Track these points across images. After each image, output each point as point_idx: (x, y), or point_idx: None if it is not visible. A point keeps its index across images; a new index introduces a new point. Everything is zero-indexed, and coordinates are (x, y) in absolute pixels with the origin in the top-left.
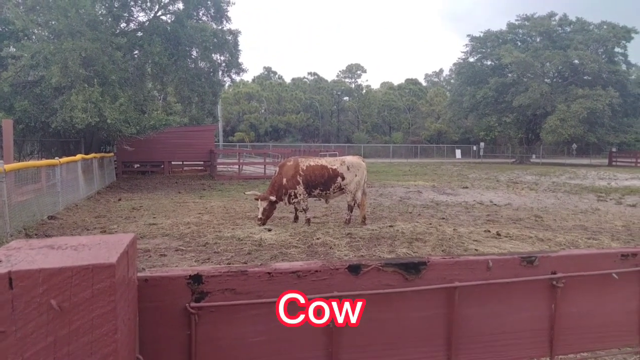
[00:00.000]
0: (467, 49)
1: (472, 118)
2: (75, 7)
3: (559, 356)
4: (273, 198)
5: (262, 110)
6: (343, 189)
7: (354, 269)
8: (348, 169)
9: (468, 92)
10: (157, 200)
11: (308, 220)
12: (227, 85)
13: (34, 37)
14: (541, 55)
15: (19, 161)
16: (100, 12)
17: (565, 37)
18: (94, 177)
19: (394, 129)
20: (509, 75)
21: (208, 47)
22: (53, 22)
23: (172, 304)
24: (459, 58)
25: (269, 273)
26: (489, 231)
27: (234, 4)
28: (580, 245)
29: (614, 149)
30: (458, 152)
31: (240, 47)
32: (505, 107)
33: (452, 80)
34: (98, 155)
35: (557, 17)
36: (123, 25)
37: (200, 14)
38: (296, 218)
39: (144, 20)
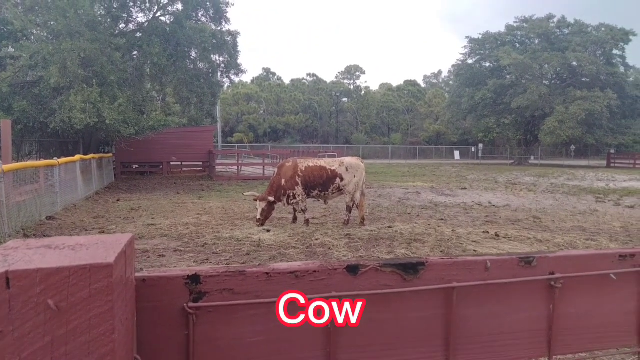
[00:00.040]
0: (466, 50)
1: (470, 119)
2: (74, 7)
3: (557, 356)
4: (272, 199)
5: (261, 111)
6: (342, 190)
7: (352, 269)
8: (347, 170)
9: (467, 94)
10: (156, 201)
11: (307, 221)
12: (226, 86)
13: (32, 37)
14: (539, 57)
15: (18, 161)
16: (99, 12)
17: (564, 39)
18: (93, 178)
19: (393, 130)
20: (508, 77)
21: (207, 48)
22: (52, 23)
23: (170, 304)
24: (457, 60)
25: (267, 273)
26: (488, 232)
27: (233, 5)
28: (578, 246)
29: (612, 151)
30: (457, 154)
31: (239, 48)
32: (504, 108)
33: (450, 82)
34: (97, 155)
35: (555, 19)
36: (122, 26)
37: (200, 15)
38: (295, 219)
39: (143, 21)
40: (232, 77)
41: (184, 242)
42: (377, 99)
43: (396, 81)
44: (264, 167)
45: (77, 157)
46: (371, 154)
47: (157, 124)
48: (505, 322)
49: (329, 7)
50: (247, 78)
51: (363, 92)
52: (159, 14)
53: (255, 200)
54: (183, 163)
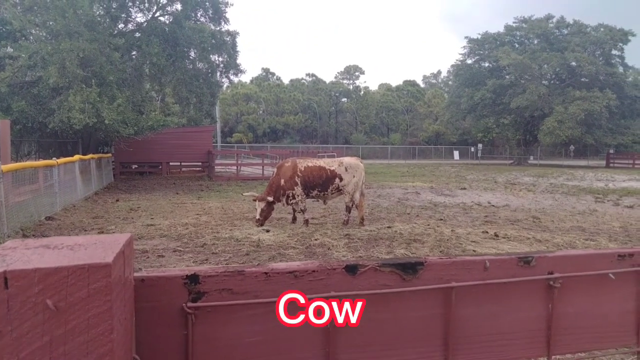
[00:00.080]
0: (465, 50)
1: (470, 119)
2: (73, 7)
3: (556, 356)
4: (271, 199)
5: (260, 111)
6: (341, 190)
7: (351, 269)
8: (346, 170)
9: (466, 94)
10: (155, 201)
11: (306, 221)
12: (225, 86)
13: (31, 37)
14: (539, 57)
15: (17, 162)
16: (98, 12)
17: (563, 40)
18: (92, 178)
19: (392, 130)
20: (507, 77)
21: (206, 48)
22: (51, 23)
23: (169, 304)
24: (456, 60)
25: (266, 273)
26: (487, 232)
27: (232, 5)
28: (577, 246)
29: (611, 151)
30: (456, 154)
31: (238, 48)
32: (503, 108)
33: (450, 82)
34: (96, 156)
35: (554, 20)
36: (121, 26)
37: (199, 15)
38: (294, 219)
39: (142, 21)
40: (231, 77)
41: (183, 243)
42: (376, 99)
43: (395, 81)
44: (263, 167)
45: (76, 157)
46: (370, 154)
47: (156, 124)
48: (504, 321)
49: (328, 7)
50: (246, 78)
51: (362, 92)
52: (157, 14)
53: (255, 200)
54: (182, 163)
